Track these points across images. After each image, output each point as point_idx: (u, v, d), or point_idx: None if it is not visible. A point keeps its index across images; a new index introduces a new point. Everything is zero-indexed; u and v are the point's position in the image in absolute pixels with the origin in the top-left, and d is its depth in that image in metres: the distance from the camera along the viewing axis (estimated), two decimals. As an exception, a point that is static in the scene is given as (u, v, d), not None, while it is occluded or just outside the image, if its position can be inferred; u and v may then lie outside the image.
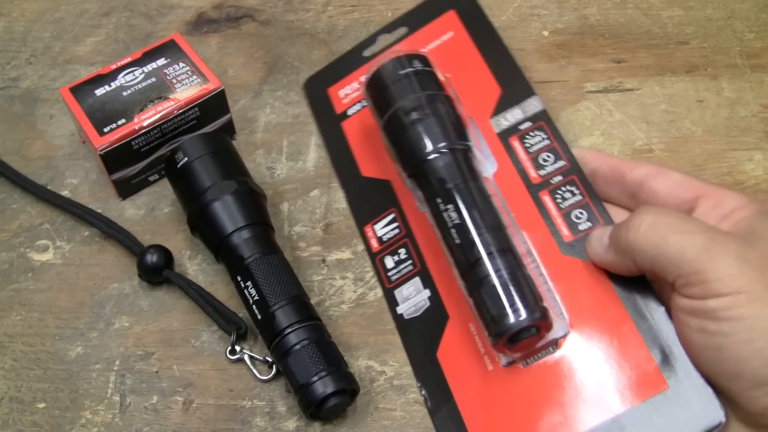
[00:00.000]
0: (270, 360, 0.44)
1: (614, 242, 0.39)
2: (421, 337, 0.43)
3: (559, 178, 0.43)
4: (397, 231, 0.47)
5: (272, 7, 0.63)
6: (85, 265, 0.50)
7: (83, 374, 0.45)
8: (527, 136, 0.45)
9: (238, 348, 0.45)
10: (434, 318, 0.43)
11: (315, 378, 0.40)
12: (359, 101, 0.52)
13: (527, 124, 0.46)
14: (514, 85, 0.48)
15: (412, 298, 0.44)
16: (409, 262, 0.45)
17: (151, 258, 0.47)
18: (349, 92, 0.53)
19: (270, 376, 0.44)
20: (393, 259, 0.46)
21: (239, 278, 0.44)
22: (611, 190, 0.42)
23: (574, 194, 0.43)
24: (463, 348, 0.42)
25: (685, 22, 0.59)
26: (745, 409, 0.34)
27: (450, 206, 0.41)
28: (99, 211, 0.51)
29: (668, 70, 0.56)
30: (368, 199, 0.49)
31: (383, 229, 0.47)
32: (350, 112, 0.52)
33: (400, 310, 0.45)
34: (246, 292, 0.44)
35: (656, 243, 0.36)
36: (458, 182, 0.42)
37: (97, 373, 0.45)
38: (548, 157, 0.44)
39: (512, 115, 0.46)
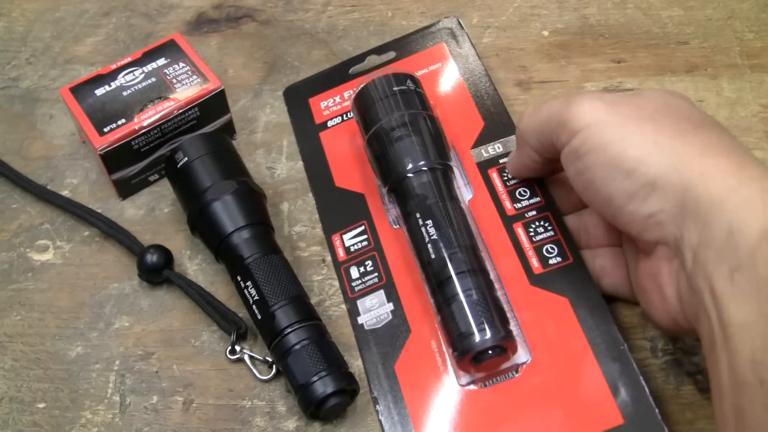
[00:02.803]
0: (270, 360, 0.44)
1: (517, 139, 0.43)
2: (379, 348, 0.43)
3: (533, 213, 0.45)
4: (365, 243, 0.47)
5: (272, 7, 0.63)
6: (85, 265, 0.50)
7: (83, 374, 0.45)
8: (506, 170, 0.47)
9: (238, 348, 0.45)
10: (395, 331, 0.43)
11: (315, 378, 0.40)
12: (341, 115, 0.53)
13: (506, 159, 0.47)
14: (497, 121, 0.50)
15: (375, 309, 0.44)
16: (375, 274, 0.45)
17: (151, 258, 0.47)
18: (331, 105, 0.54)
19: (270, 376, 0.44)
20: (358, 270, 0.46)
21: (239, 278, 0.44)
22: None
23: (546, 230, 0.44)
24: (422, 363, 0.42)
25: (685, 22, 0.59)
26: (637, 233, 0.37)
27: (429, 222, 0.42)
28: (99, 211, 0.51)
29: (668, 70, 0.56)
30: (339, 209, 0.49)
31: (352, 239, 0.47)
32: (330, 123, 0.53)
33: (361, 320, 0.44)
34: (246, 292, 0.44)
35: (534, 118, 0.41)
36: (439, 199, 0.43)
37: (97, 373, 0.45)
38: (524, 192, 0.46)
39: (493, 149, 0.48)
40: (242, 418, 0.43)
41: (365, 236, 0.47)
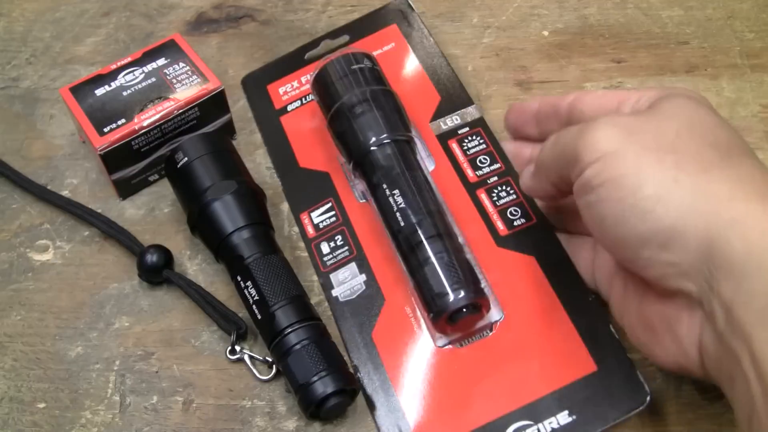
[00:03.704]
0: (270, 360, 0.44)
1: (535, 168, 0.41)
2: (356, 318, 0.44)
3: (495, 179, 0.47)
4: (333, 219, 0.48)
5: (272, 7, 0.63)
6: (85, 265, 0.50)
7: (83, 374, 0.45)
8: (465, 140, 0.49)
9: (238, 348, 0.45)
10: (370, 301, 0.45)
11: (315, 378, 0.40)
12: (299, 99, 0.54)
13: (465, 129, 0.50)
14: (453, 94, 0.52)
15: (348, 281, 0.46)
16: (346, 248, 0.47)
17: (151, 258, 0.47)
18: (289, 90, 0.55)
19: (270, 376, 0.44)
20: (329, 245, 0.47)
21: (239, 278, 0.44)
22: (550, 126, 0.43)
23: (509, 194, 0.47)
24: (399, 329, 0.44)
25: (685, 22, 0.59)
26: (655, 280, 0.33)
27: (396, 191, 0.44)
28: (99, 211, 0.51)
29: (668, 70, 0.56)
30: (305, 189, 0.50)
31: (320, 216, 0.49)
32: (290, 108, 0.54)
33: (335, 293, 0.46)
34: (246, 292, 0.44)
35: (553, 150, 0.38)
36: (404, 169, 0.45)
37: (97, 373, 0.45)
38: (485, 159, 0.48)
39: (451, 120, 0.50)
40: (242, 418, 0.43)
41: (333, 212, 0.49)
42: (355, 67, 0.49)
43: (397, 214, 0.44)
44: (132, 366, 0.45)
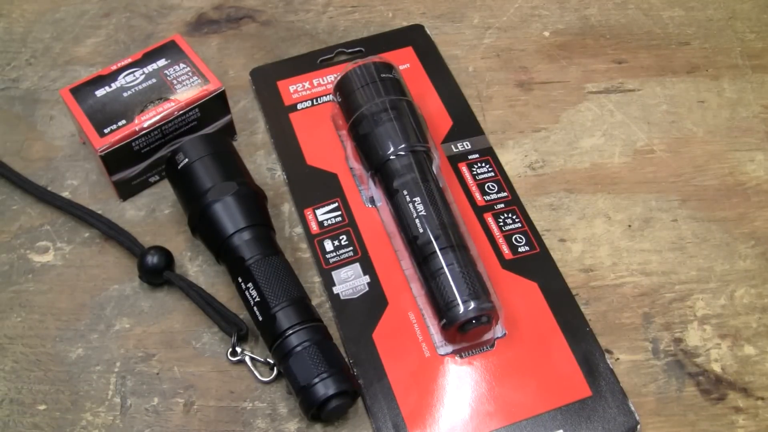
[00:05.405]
0: (271, 362, 0.44)
1: None
2: (357, 317, 0.45)
3: (502, 206, 0.49)
4: (339, 219, 0.49)
5: (273, 7, 0.63)
6: (86, 267, 0.49)
7: (84, 376, 0.45)
8: (474, 165, 0.51)
9: (239, 349, 0.45)
10: (373, 302, 0.45)
11: (316, 380, 0.40)
12: (311, 99, 0.55)
13: (475, 156, 0.51)
14: (465, 122, 0.53)
15: (351, 281, 0.46)
16: (350, 248, 0.48)
17: (152, 259, 0.47)
18: (300, 89, 0.56)
19: (271, 377, 0.44)
20: (333, 243, 0.48)
21: (240, 280, 0.44)
22: None
23: (514, 221, 0.48)
24: (401, 333, 0.44)
25: (686, 23, 0.59)
26: None
27: (417, 198, 0.45)
28: (99, 212, 0.51)
29: (669, 71, 0.56)
30: (311, 186, 0.51)
31: (325, 215, 0.49)
32: (300, 106, 0.55)
33: (336, 290, 0.46)
34: (247, 293, 0.44)
35: None
36: (425, 179, 0.46)
37: (98, 374, 0.45)
38: (492, 186, 0.50)
39: (462, 145, 0.52)
40: (243, 420, 0.43)
41: (339, 212, 0.49)
42: (383, 75, 0.50)
43: (417, 221, 0.44)
44: (133, 368, 0.45)
